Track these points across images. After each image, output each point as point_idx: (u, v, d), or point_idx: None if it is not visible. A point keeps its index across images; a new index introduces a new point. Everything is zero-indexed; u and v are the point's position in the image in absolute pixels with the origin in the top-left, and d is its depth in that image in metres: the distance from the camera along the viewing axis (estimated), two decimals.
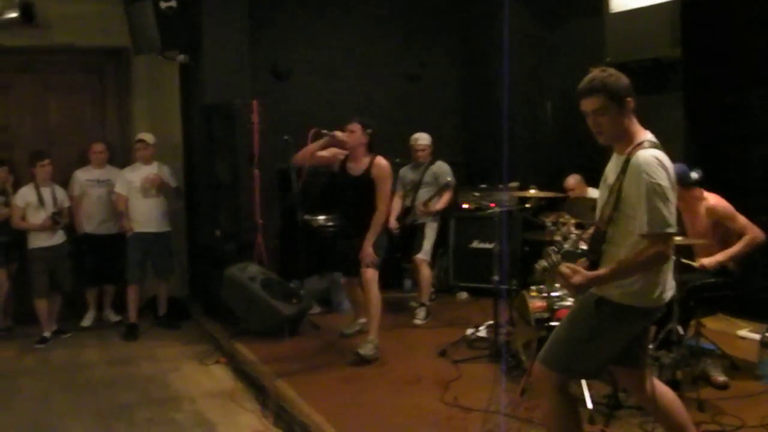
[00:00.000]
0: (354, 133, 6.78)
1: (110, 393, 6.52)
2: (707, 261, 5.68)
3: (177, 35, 8.55)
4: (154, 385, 6.71)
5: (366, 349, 6.51)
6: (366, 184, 6.78)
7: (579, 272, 3.58)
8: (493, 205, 8.43)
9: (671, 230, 3.45)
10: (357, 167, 6.85)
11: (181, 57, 8.77)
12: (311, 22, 9.78)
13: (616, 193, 3.59)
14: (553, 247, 3.82)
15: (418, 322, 7.87)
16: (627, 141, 3.65)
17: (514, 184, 8.42)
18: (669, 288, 3.70)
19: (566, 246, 4.07)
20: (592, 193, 7.53)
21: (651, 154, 3.51)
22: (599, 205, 3.80)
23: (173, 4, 8.38)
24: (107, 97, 9.42)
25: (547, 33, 9.65)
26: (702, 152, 7.05)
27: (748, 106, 7.46)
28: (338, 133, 6.75)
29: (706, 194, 5.89)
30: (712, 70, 7.47)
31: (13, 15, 8.34)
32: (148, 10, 8.30)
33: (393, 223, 8.01)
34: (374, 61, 10.03)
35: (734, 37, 7.23)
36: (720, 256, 5.69)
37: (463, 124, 10.78)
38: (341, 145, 6.83)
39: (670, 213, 3.44)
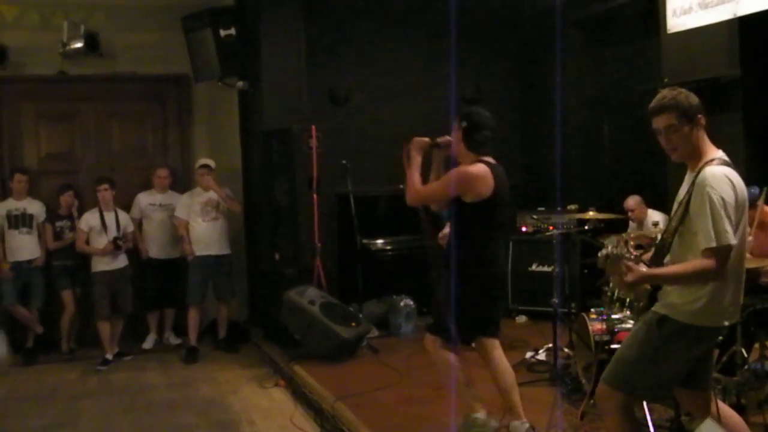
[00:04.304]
0: (456, 132, 4.98)
1: (171, 415, 6.61)
2: None
3: (236, 62, 8.74)
4: (213, 408, 6.77)
5: None
6: (457, 206, 4.86)
7: (633, 270, 3.56)
8: (551, 227, 8.37)
9: (725, 243, 3.41)
10: None
11: (240, 83, 8.94)
12: (368, 47, 9.83)
13: (684, 206, 3.60)
14: (622, 239, 3.79)
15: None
16: (698, 158, 3.67)
17: (573, 207, 8.35)
18: (734, 309, 3.66)
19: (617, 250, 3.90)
20: (652, 214, 7.45)
21: (720, 170, 3.54)
22: (670, 216, 3.82)
23: (232, 32, 8.56)
24: (169, 124, 9.59)
25: (603, 55, 9.59)
26: (763, 172, 6.89)
27: None
28: (440, 139, 5.02)
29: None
30: None
31: (79, 45, 8.62)
32: (208, 38, 8.52)
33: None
34: (431, 84, 10.01)
35: None
36: None
37: (520, 146, 10.72)
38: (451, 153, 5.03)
39: (725, 228, 3.42)
